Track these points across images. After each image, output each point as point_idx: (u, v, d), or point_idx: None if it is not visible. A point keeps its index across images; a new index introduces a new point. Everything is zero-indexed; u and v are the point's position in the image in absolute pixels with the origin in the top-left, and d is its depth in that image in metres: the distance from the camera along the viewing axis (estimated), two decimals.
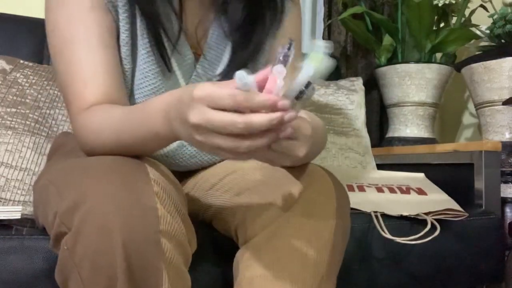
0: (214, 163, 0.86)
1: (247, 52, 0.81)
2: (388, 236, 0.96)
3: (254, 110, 0.48)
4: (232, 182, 0.74)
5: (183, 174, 0.87)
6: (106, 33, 0.71)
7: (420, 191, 1.19)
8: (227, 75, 0.82)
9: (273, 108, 0.47)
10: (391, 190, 1.18)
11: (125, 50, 0.75)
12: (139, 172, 0.57)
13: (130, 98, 0.78)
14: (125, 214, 0.51)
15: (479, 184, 1.21)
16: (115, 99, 0.69)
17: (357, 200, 1.07)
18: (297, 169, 0.68)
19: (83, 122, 0.67)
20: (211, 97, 0.48)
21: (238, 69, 0.83)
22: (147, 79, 0.77)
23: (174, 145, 0.81)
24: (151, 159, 0.65)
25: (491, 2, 1.53)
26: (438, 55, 1.66)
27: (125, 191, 0.53)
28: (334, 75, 1.63)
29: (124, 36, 0.74)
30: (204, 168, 0.86)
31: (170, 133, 0.56)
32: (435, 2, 1.49)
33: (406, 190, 1.19)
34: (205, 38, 0.82)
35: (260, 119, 0.47)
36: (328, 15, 1.79)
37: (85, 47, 0.69)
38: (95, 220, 0.51)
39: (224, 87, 0.49)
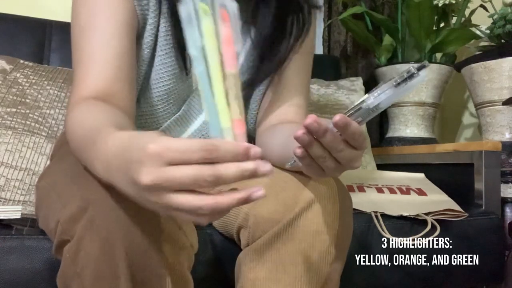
0: None
1: (274, 62, 0.81)
2: (388, 236, 0.96)
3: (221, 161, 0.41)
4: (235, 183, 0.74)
5: None
6: (124, 27, 0.70)
7: (420, 192, 1.19)
8: (252, 83, 0.82)
9: (245, 157, 0.41)
10: (391, 191, 1.18)
11: (146, 52, 0.75)
12: None
13: (145, 95, 0.78)
14: (127, 223, 0.51)
15: (479, 184, 1.21)
16: (115, 90, 0.67)
17: (357, 200, 1.07)
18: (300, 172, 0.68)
19: (71, 116, 0.63)
20: (170, 150, 0.40)
21: (265, 78, 0.83)
22: (162, 80, 0.77)
23: None
24: None
25: (491, 2, 1.53)
26: (438, 55, 1.66)
27: (127, 200, 0.53)
28: (334, 75, 1.63)
29: (149, 39, 0.75)
30: None
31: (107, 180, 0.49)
32: (435, 2, 1.49)
33: (406, 191, 1.19)
34: None
35: (230, 169, 0.40)
36: (328, 15, 1.79)
37: (98, 36, 0.68)
38: (97, 229, 0.51)
39: (184, 139, 0.42)
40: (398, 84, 0.47)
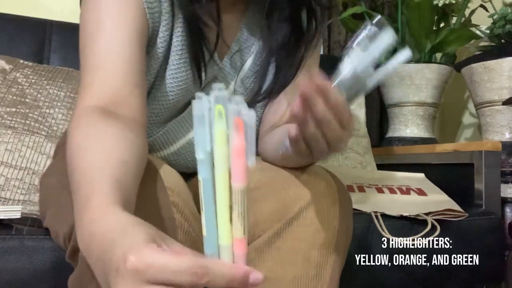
0: None
1: (292, 68, 0.79)
2: (388, 236, 0.96)
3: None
4: None
5: (188, 174, 0.87)
6: (133, 33, 0.67)
7: (420, 192, 1.19)
8: (270, 93, 0.80)
9: (242, 283, 0.36)
10: (391, 191, 1.18)
11: (155, 65, 0.73)
12: (155, 182, 0.57)
13: (151, 104, 0.77)
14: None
15: (479, 184, 1.21)
16: (125, 95, 0.63)
17: (357, 200, 1.07)
18: (300, 170, 0.68)
19: (73, 136, 0.56)
20: (151, 267, 0.34)
21: (283, 87, 0.80)
22: (172, 93, 0.75)
23: (184, 142, 0.81)
24: (160, 160, 0.65)
25: (491, 2, 1.53)
26: (438, 55, 1.66)
27: (143, 204, 0.52)
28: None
29: (159, 51, 0.72)
30: None
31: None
32: (435, 2, 1.49)
33: (406, 191, 1.19)
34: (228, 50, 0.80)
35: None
36: (328, 15, 1.79)
37: (105, 41, 0.65)
38: None
39: (172, 254, 0.35)
40: (359, 43, 0.47)
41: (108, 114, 0.58)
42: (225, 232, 0.38)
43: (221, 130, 0.37)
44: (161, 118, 0.78)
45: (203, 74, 0.75)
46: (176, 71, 0.74)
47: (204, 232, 0.38)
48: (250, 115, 0.37)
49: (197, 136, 0.38)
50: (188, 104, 0.80)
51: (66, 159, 0.55)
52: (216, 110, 0.37)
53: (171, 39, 0.73)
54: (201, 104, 0.37)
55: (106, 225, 0.40)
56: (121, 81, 0.63)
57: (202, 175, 0.38)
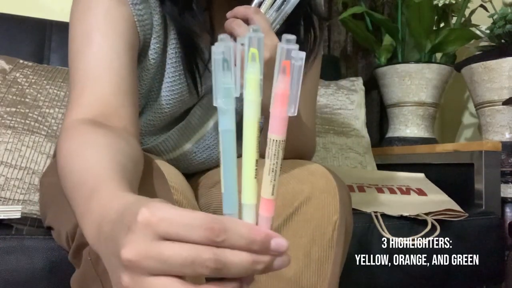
0: None
1: None
2: (388, 236, 0.96)
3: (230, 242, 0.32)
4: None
5: (189, 174, 0.88)
6: (123, 44, 0.66)
7: (420, 192, 1.19)
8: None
9: (261, 248, 0.32)
10: (391, 191, 1.18)
11: (148, 77, 0.73)
12: (159, 180, 0.57)
13: (146, 116, 0.76)
14: None
15: (479, 184, 1.21)
16: (115, 105, 0.63)
17: (357, 200, 1.07)
18: (300, 168, 0.68)
19: (65, 146, 0.55)
20: (164, 221, 0.32)
21: None
22: (168, 105, 0.75)
23: (184, 150, 0.81)
24: (162, 161, 0.65)
25: (491, 2, 1.53)
26: (438, 55, 1.66)
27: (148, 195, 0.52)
28: (334, 75, 1.63)
29: (152, 62, 0.72)
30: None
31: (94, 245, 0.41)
32: (435, 2, 1.49)
33: (406, 191, 1.19)
34: None
35: (239, 258, 0.32)
36: (328, 15, 1.79)
37: (93, 53, 0.64)
38: None
39: (188, 210, 0.33)
40: None
41: (98, 126, 0.57)
42: (249, 190, 0.34)
43: (254, 76, 0.33)
44: (156, 128, 0.78)
45: (199, 86, 0.75)
46: (172, 83, 0.74)
47: (223, 189, 0.34)
48: (300, 58, 0.32)
49: (218, 82, 0.33)
50: (186, 113, 0.80)
51: (58, 168, 0.53)
52: (250, 54, 0.33)
53: (165, 51, 0.73)
54: (222, 47, 0.33)
55: (118, 203, 0.38)
56: (110, 92, 0.62)
57: (223, 125, 0.33)
